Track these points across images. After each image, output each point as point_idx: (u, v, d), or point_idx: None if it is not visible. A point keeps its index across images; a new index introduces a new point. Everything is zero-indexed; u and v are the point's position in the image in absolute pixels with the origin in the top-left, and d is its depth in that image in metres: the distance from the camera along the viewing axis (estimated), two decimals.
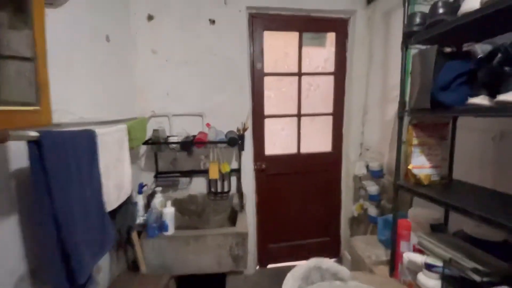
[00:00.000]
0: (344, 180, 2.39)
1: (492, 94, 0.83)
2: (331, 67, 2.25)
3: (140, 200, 1.77)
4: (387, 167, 1.96)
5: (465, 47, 1.16)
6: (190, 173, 2.05)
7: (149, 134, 1.89)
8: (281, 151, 2.31)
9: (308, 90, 2.27)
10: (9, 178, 0.89)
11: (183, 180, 2.06)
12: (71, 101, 1.23)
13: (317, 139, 2.37)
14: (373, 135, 2.18)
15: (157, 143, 1.86)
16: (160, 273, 1.64)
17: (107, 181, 1.27)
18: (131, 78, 1.90)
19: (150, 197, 1.87)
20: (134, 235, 1.61)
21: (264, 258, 2.38)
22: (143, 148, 2.03)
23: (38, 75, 0.67)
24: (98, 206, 1.16)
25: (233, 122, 2.03)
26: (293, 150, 2.31)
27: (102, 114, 1.50)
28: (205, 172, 2.02)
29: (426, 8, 1.10)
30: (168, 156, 2.05)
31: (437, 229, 1.21)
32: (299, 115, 2.26)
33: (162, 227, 1.66)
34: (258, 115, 2.19)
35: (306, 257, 2.41)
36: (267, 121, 2.22)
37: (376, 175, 2.01)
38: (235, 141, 1.81)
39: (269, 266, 2.41)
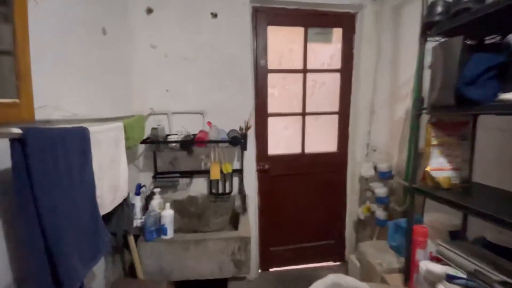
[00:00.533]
0: (349, 182, 2.30)
1: None
2: (337, 64, 2.16)
3: (138, 202, 1.69)
4: (396, 168, 1.88)
5: (487, 40, 1.08)
6: (190, 174, 1.97)
7: (147, 133, 1.80)
8: (285, 151, 2.23)
9: (313, 87, 2.19)
10: None
11: (183, 180, 1.97)
12: (62, 97, 1.14)
13: (322, 139, 2.28)
14: (381, 135, 2.09)
15: (155, 142, 1.77)
16: (158, 279, 1.56)
17: (101, 183, 1.19)
18: (129, 74, 1.81)
19: (149, 198, 1.79)
20: (131, 239, 1.52)
21: (266, 261, 2.30)
22: (141, 147, 1.95)
23: (18, 65, 0.58)
24: (90, 210, 1.07)
25: (235, 120, 1.94)
26: (297, 150, 2.23)
27: (97, 111, 1.41)
28: (206, 173, 1.93)
29: None
30: (167, 156, 1.96)
31: (456, 236, 1.12)
32: (303, 114, 2.17)
33: (161, 230, 1.58)
34: (261, 114, 2.10)
35: (309, 261, 2.36)
36: (270, 120, 2.14)
37: (384, 176, 1.93)
38: (237, 140, 1.72)
39: (272, 269, 2.33)
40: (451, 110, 0.97)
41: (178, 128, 1.92)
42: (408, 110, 1.76)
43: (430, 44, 1.12)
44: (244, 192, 1.89)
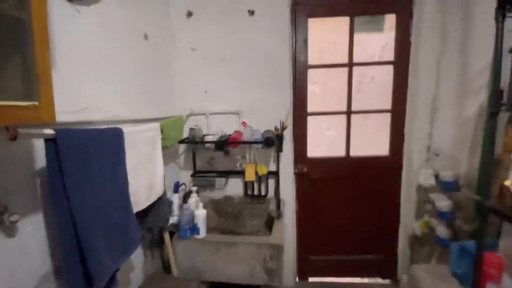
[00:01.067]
0: (404, 191, 2.00)
1: None
2: (390, 55, 1.89)
3: (176, 199, 1.74)
4: (465, 178, 1.54)
5: None
6: (226, 174, 1.96)
7: (186, 133, 1.86)
8: (327, 153, 2.05)
9: (360, 83, 1.96)
10: (34, 176, 0.90)
11: (220, 180, 1.98)
12: (103, 99, 1.22)
13: (370, 141, 2.03)
14: (446, 137, 1.75)
15: (193, 142, 1.81)
16: (191, 277, 1.58)
17: (136, 181, 1.24)
18: (170, 77, 1.89)
19: (186, 196, 1.84)
20: (166, 236, 1.58)
21: (304, 270, 2.16)
22: (182, 147, 2.02)
23: (37, 66, 0.60)
24: (123, 207, 1.13)
25: (272, 120, 1.86)
26: (340, 152, 2.02)
27: (138, 112, 1.50)
28: (241, 173, 1.90)
29: None
30: (205, 156, 2.00)
31: None
32: (349, 113, 1.96)
33: (194, 229, 1.60)
34: (300, 113, 1.97)
35: (353, 274, 2.13)
36: (310, 119, 1.99)
37: (448, 187, 1.61)
38: (271, 141, 1.64)
39: (311, 279, 2.18)
40: None
41: (216, 128, 1.93)
42: (482, 107, 1.42)
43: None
44: (279, 196, 1.80)
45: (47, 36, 0.63)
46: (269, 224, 1.84)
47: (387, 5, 1.83)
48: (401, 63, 1.88)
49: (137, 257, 1.50)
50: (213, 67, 1.91)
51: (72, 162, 0.87)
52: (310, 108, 1.98)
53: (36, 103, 0.63)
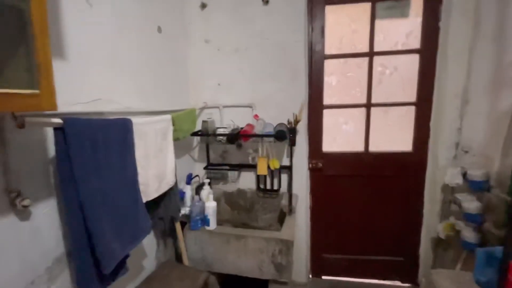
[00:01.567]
0: (428, 190, 1.86)
1: None
2: (415, 43, 1.75)
3: (188, 191, 1.77)
4: (497, 177, 1.39)
5: None
6: (238, 167, 1.95)
7: (200, 126, 1.87)
8: (344, 148, 1.96)
9: (381, 74, 1.84)
10: (47, 163, 0.94)
11: (232, 173, 1.98)
12: (116, 91, 1.25)
13: (392, 136, 1.91)
14: (477, 133, 1.59)
15: (205, 134, 1.81)
16: (201, 267, 1.61)
17: (146, 171, 1.27)
18: (184, 69, 1.91)
19: (199, 188, 1.86)
20: (178, 226, 1.61)
21: (318, 268, 2.11)
22: (196, 140, 2.04)
23: (38, 55, 0.62)
24: (131, 195, 1.15)
25: (286, 113, 1.81)
26: (359, 147, 1.93)
27: (152, 105, 1.53)
28: (253, 167, 1.88)
29: None
30: (218, 148, 2.00)
31: None
32: (368, 105, 1.86)
33: (205, 221, 1.61)
34: (316, 106, 1.89)
35: (370, 275, 2.04)
36: (326, 113, 1.91)
37: (478, 187, 1.46)
38: (283, 134, 1.59)
39: (324, 277, 2.12)
40: None
41: (229, 121, 1.92)
42: None
43: None
44: (291, 191, 1.75)
45: (47, 26, 0.64)
46: (282, 219, 1.81)
47: None
48: (428, 51, 1.73)
49: (150, 245, 1.54)
50: (226, 59, 1.89)
51: (80, 150, 0.89)
52: (326, 100, 1.89)
53: (37, 91, 0.65)
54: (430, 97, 1.78)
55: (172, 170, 1.49)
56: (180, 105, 1.81)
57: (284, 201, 1.76)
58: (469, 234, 1.48)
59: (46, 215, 0.93)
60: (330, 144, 1.95)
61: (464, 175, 1.55)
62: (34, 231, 0.89)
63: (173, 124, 1.49)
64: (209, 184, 1.79)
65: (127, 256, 1.10)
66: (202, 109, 1.96)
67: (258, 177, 1.92)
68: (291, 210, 1.72)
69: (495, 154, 1.42)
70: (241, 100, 1.91)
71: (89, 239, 0.93)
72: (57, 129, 0.85)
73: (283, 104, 1.83)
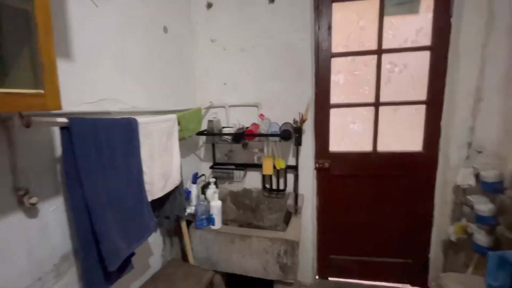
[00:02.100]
0: (439, 191, 1.81)
1: None
2: (426, 40, 1.70)
3: (194, 190, 1.78)
4: (511, 178, 1.34)
5: None
6: (244, 166, 1.95)
7: (205, 125, 1.87)
8: (351, 148, 1.93)
9: (390, 72, 1.79)
10: (55, 162, 0.96)
11: (238, 173, 1.97)
12: (122, 91, 1.27)
13: (401, 135, 1.86)
14: (491, 132, 1.53)
15: (211, 134, 1.82)
16: (206, 266, 1.61)
17: (151, 170, 1.28)
18: (190, 69, 1.91)
19: (205, 187, 1.87)
20: (183, 224, 1.62)
21: (324, 269, 2.08)
22: (202, 139, 2.05)
23: (42, 56, 0.63)
24: (136, 194, 1.16)
25: (292, 113, 1.79)
26: (366, 147, 1.89)
27: (158, 104, 1.54)
28: (259, 167, 1.87)
29: None
30: (224, 148, 2.00)
31: None
32: (377, 104, 1.82)
33: (210, 220, 1.62)
34: (322, 105, 1.87)
35: (378, 277, 2.00)
36: (333, 112, 1.88)
37: (491, 188, 1.41)
38: (288, 134, 1.58)
39: (331, 279, 2.09)
40: None
41: (235, 121, 1.92)
42: None
43: None
44: (297, 191, 1.74)
45: (51, 26, 0.65)
46: (287, 219, 1.79)
47: None
48: (439, 48, 1.68)
49: (156, 243, 1.56)
50: (232, 59, 1.89)
51: (86, 149, 0.91)
52: (334, 99, 1.87)
53: (42, 91, 0.66)
54: (441, 95, 1.73)
55: (178, 169, 1.49)
56: (186, 105, 1.82)
57: (290, 201, 1.75)
58: (481, 237, 1.43)
59: (54, 212, 0.95)
60: (337, 143, 1.92)
61: (477, 176, 1.50)
62: (42, 228, 0.91)
63: (179, 124, 1.50)
64: (215, 183, 1.79)
65: (132, 254, 1.11)
66: (207, 108, 1.97)
67: (263, 176, 1.91)
68: (297, 210, 1.70)
69: (509, 154, 1.37)
70: (247, 99, 1.90)
71: (95, 237, 0.94)
72: (63, 129, 0.86)
73: (289, 103, 1.81)
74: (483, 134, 1.57)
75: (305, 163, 1.85)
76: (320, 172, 1.94)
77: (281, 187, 1.89)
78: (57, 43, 0.68)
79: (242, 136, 1.67)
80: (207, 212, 1.63)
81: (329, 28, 1.77)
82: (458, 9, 1.58)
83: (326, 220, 2.00)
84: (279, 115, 1.82)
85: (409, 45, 1.74)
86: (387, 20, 1.70)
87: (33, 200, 0.83)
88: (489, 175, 1.41)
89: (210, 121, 1.81)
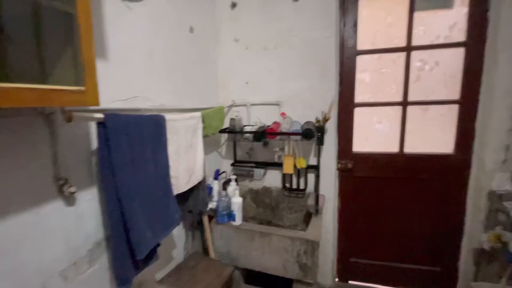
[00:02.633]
0: (471, 196, 1.70)
1: None
2: (460, 36, 1.60)
3: (216, 186, 1.82)
4: None
5: None
6: (264, 165, 1.96)
7: (228, 123, 1.91)
8: (376, 148, 1.87)
9: (420, 69, 1.72)
10: (91, 155, 1.03)
11: (258, 171, 1.99)
12: (152, 89, 1.33)
13: (430, 136, 1.78)
14: None
15: (232, 132, 1.84)
16: (226, 261, 1.64)
17: (177, 165, 1.33)
18: (213, 68, 1.96)
19: (226, 184, 1.90)
20: (205, 219, 1.67)
21: (345, 272, 2.04)
22: (224, 137, 2.09)
23: (83, 55, 0.68)
24: (163, 187, 1.22)
25: (315, 111, 1.78)
26: (393, 148, 1.82)
27: (184, 102, 1.59)
28: (279, 165, 1.88)
29: None
30: (245, 146, 2.03)
31: None
32: (404, 104, 1.75)
33: (230, 216, 1.64)
34: (346, 104, 1.83)
35: (400, 284, 1.92)
36: (357, 111, 1.83)
37: None
38: (310, 133, 1.56)
39: (351, 282, 2.05)
40: None
41: (257, 119, 1.93)
42: None
43: None
44: (318, 191, 1.72)
45: (91, 28, 0.70)
46: (308, 219, 1.78)
47: None
48: (475, 44, 1.58)
49: (179, 236, 1.61)
50: (255, 58, 1.90)
51: (118, 144, 0.96)
52: (359, 98, 1.82)
53: (83, 88, 0.71)
54: (476, 94, 1.62)
55: (201, 165, 1.54)
56: (210, 103, 1.86)
57: (310, 201, 1.73)
58: None
59: (89, 202, 1.02)
60: (362, 144, 1.87)
61: None
62: (79, 216, 0.98)
63: (203, 121, 1.54)
64: (236, 180, 1.82)
65: (158, 245, 1.17)
66: (230, 107, 2.00)
67: (284, 175, 1.91)
68: (317, 210, 1.68)
69: None
70: (269, 98, 1.91)
71: (125, 226, 1.00)
72: (99, 124, 0.92)
73: (311, 102, 1.80)
74: None
75: (327, 163, 1.83)
76: (343, 172, 1.90)
77: (301, 186, 1.87)
78: (94, 44, 0.72)
79: (263, 135, 1.68)
80: (228, 208, 1.66)
81: (355, 25, 1.73)
82: (496, 3, 1.47)
83: (347, 222, 1.96)
84: (301, 114, 1.81)
85: (441, 41, 1.65)
86: (417, 15, 1.63)
87: (73, 189, 0.90)
88: None
89: (232, 119, 1.84)
